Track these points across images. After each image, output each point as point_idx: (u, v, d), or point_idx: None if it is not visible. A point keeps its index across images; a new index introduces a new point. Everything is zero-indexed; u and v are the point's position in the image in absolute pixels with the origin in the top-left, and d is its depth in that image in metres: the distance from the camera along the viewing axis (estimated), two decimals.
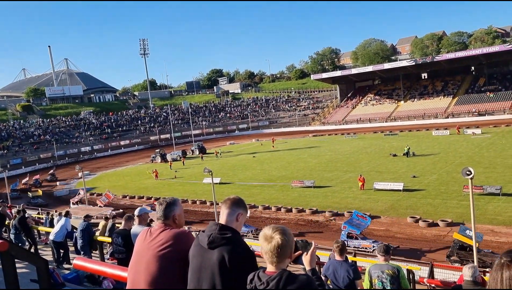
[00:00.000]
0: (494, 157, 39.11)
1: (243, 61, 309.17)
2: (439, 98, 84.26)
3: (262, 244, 2.33)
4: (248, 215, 2.90)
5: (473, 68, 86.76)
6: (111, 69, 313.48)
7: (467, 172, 15.41)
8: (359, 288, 5.59)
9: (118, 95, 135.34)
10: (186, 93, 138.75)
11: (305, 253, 2.72)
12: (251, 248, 2.78)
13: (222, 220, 2.80)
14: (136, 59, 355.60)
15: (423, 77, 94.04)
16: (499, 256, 1.75)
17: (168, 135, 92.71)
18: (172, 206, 3.18)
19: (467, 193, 25.11)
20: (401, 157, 44.46)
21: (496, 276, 1.67)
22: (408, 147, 45.51)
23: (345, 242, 20.57)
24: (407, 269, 13.20)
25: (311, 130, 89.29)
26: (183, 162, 58.82)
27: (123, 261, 6.19)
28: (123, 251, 6.67)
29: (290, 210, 29.75)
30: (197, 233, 3.42)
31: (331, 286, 5.77)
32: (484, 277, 9.68)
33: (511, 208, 24.50)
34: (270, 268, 2.31)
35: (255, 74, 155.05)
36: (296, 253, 2.64)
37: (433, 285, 13.15)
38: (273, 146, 67.87)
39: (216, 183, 37.92)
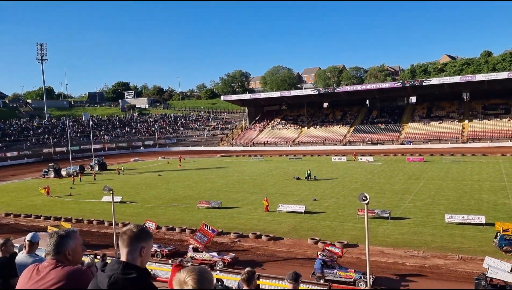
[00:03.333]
0: (384, 183, 42.95)
1: (152, 76, 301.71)
2: (338, 127, 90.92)
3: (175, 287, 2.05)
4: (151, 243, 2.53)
5: (368, 101, 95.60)
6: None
7: (363, 198, 16.59)
8: None
9: (7, 101, 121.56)
10: (88, 104, 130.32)
11: None
12: None
13: (124, 257, 2.40)
14: (31, 64, 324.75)
15: (325, 106, 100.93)
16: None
17: (64, 148, 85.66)
18: (65, 239, 2.68)
19: (361, 217, 27.03)
20: (304, 181, 46.54)
21: None
22: (309, 171, 47.87)
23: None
24: None
25: (220, 150, 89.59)
26: (80, 178, 54.50)
27: None
28: None
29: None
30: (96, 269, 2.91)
31: None
32: None
33: (398, 231, 26.87)
34: None
35: (164, 90, 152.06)
36: None
37: None
38: (180, 165, 66.46)
39: (117, 202, 35.67)
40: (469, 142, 71.99)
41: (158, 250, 24.60)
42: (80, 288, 2.47)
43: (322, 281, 19.42)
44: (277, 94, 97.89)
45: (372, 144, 79.58)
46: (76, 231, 2.82)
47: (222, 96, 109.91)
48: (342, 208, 33.24)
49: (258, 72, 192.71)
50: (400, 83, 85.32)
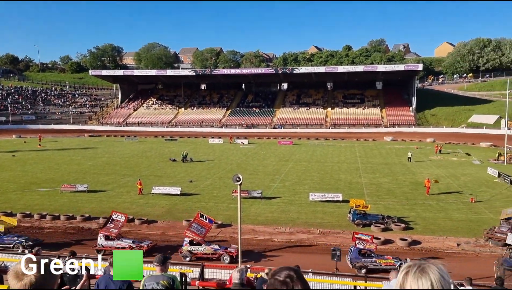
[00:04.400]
0: (257, 165, 44.96)
1: (4, 42, 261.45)
2: (215, 109, 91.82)
3: (11, 283, 1.75)
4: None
5: (244, 85, 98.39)
6: None
7: (237, 179, 16.89)
8: None
9: None
10: None
11: (74, 288, 2.15)
12: None
13: None
14: None
15: (202, 88, 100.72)
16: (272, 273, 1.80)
17: None
18: None
19: (235, 197, 27.81)
20: (180, 162, 45.94)
21: (408, 284, 1.62)
22: (185, 153, 47.41)
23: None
24: (180, 273, 13.36)
25: (88, 130, 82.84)
26: None
27: None
28: None
29: (57, 217, 26.34)
30: None
31: None
32: (249, 278, 10.54)
33: (268, 209, 28.42)
34: None
35: (20, 59, 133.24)
36: (63, 289, 1.99)
37: (200, 287, 13.68)
38: (39, 145, 59.43)
39: None
40: (331, 128, 79.71)
41: (134, 246, 21.00)
42: None
43: (364, 271, 18.71)
44: (152, 72, 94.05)
45: (247, 127, 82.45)
46: None
47: (90, 71, 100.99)
48: (217, 189, 33.76)
49: (131, 47, 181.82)
50: (273, 70, 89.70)
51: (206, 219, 21.61)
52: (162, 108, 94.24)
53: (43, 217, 26.45)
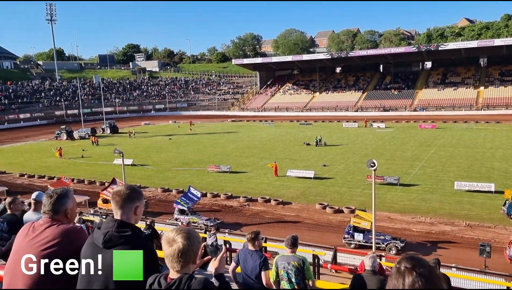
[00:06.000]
0: (395, 150, 42.68)
1: (163, 38, 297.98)
2: (351, 92, 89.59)
3: (164, 247, 2.13)
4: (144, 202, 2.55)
5: (381, 66, 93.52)
6: (10, 33, 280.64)
7: (371, 164, 16.46)
8: (265, 278, 5.63)
9: (18, 63, 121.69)
10: (99, 67, 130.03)
11: (214, 258, 2.51)
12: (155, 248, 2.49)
13: (118, 217, 2.46)
14: (40, 25, 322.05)
15: (337, 71, 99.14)
16: (398, 261, 1.72)
17: (76, 111, 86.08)
18: (64, 199, 2.73)
19: (370, 183, 27.05)
20: (314, 146, 46.48)
21: (397, 283, 1.64)
22: (319, 137, 47.68)
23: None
24: (313, 254, 13.74)
25: (230, 115, 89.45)
26: (96, 141, 54.80)
27: (5, 255, 5.35)
28: (7, 238, 5.78)
29: (205, 195, 29.39)
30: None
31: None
32: (382, 265, 10.36)
33: (406, 197, 26.93)
34: (172, 274, 2.12)
35: (175, 53, 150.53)
36: (205, 259, 2.40)
37: (333, 271, 13.86)
38: (190, 129, 66.71)
39: (128, 165, 36.22)
40: (483, 109, 70.57)
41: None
42: (75, 245, 2.51)
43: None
44: (289, 58, 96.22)
45: (385, 110, 78.53)
46: (71, 191, 2.84)
47: (233, 60, 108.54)
48: (351, 174, 33.28)
49: (270, 35, 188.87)
50: (415, 48, 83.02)
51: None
52: (297, 93, 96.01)
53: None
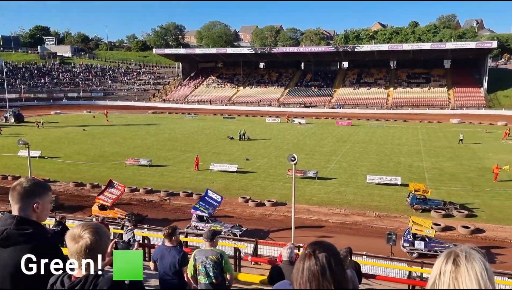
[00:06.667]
0: (314, 145, 44.54)
1: (76, 22, 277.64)
2: (274, 88, 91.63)
3: (69, 245, 1.94)
4: (51, 198, 2.22)
5: (303, 64, 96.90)
6: None
7: (292, 158, 16.92)
8: (185, 274, 5.51)
9: None
10: (1, 49, 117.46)
11: None
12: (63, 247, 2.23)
13: (16, 213, 2.23)
14: None
15: (261, 66, 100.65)
16: (306, 246, 1.78)
17: None
18: None
19: (290, 177, 27.89)
20: (237, 140, 46.76)
21: (299, 266, 1.71)
22: (243, 131, 48.08)
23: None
24: (234, 248, 13.82)
25: (151, 107, 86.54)
26: None
27: None
28: None
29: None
30: None
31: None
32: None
33: (323, 190, 28.22)
34: (77, 272, 1.95)
35: (90, 38, 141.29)
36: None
37: (253, 262, 14.05)
38: (107, 120, 63.24)
39: (35, 157, 33.30)
40: (393, 109, 76.58)
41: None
42: None
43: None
44: (212, 50, 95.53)
45: (305, 107, 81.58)
46: None
47: (154, 49, 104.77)
48: (273, 168, 34.03)
49: (193, 26, 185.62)
50: (333, 48, 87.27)
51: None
52: (221, 87, 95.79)
53: None
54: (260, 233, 20.68)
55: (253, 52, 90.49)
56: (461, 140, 44.38)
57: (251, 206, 25.32)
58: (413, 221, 18.96)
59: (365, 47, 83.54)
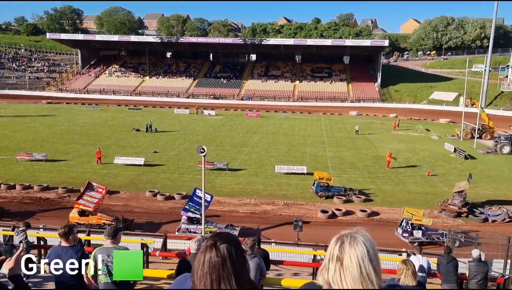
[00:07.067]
0: (224, 137, 44.66)
1: None
2: (182, 79, 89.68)
3: None
4: None
5: (211, 55, 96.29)
6: None
7: (201, 150, 16.64)
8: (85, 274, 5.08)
9: None
10: None
11: (9, 258, 2.09)
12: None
13: None
14: None
15: (168, 56, 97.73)
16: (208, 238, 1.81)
17: None
18: None
19: (200, 169, 27.60)
20: (144, 132, 44.92)
21: (200, 258, 1.72)
22: (150, 123, 46.33)
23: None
24: (142, 243, 13.28)
25: (46, 96, 78.94)
26: None
27: None
28: None
29: (13, 187, 25.27)
30: None
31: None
32: None
33: (234, 181, 28.43)
34: None
35: None
36: None
37: (160, 257, 13.63)
38: None
39: None
40: (299, 101, 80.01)
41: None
42: None
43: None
44: (115, 37, 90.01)
45: (215, 98, 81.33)
46: None
47: (48, 34, 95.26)
48: (182, 161, 33.36)
49: (92, 11, 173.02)
50: (241, 40, 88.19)
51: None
52: (125, 76, 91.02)
53: None
54: (172, 228, 20.12)
55: (160, 40, 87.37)
56: (357, 131, 48.12)
57: (159, 200, 24.53)
58: (407, 212, 19.87)
59: (272, 41, 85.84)
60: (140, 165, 30.77)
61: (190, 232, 19.44)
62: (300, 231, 19.01)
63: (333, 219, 22.40)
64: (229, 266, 1.68)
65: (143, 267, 9.61)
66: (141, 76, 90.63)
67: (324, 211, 22.94)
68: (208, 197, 20.11)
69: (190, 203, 19.95)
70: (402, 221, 20.17)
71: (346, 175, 30.34)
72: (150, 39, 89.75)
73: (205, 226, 19.03)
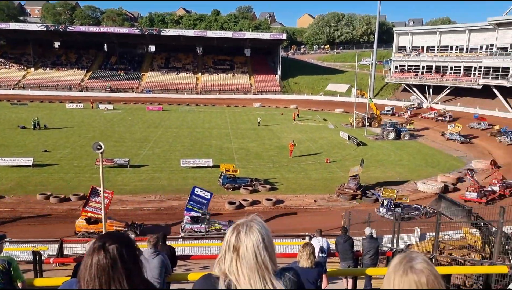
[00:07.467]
0: (124, 132, 42.35)
1: None
2: (73, 71, 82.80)
3: None
4: None
5: (106, 45, 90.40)
6: None
7: (98, 147, 15.51)
8: None
9: None
10: None
11: None
12: None
13: None
14: None
15: (56, 46, 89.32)
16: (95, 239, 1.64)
17: None
18: None
19: (98, 167, 25.79)
20: (31, 130, 40.60)
21: (87, 261, 1.56)
22: (37, 119, 42.04)
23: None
24: (33, 251, 11.93)
25: None
26: None
27: None
28: None
29: None
30: None
31: None
32: None
33: (136, 178, 27.14)
34: None
35: None
36: None
37: (54, 264, 12.48)
38: None
39: None
40: (202, 94, 79.30)
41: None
42: None
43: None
44: None
45: (112, 91, 76.69)
46: None
47: None
48: (78, 159, 30.90)
49: None
50: (138, 30, 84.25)
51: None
52: (6, 68, 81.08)
53: None
54: (70, 232, 18.45)
55: (45, 29, 79.22)
56: (259, 122, 49.39)
57: (53, 202, 22.47)
58: (385, 193, 22.79)
59: (171, 32, 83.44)
60: (29, 166, 27.82)
61: (195, 232, 19.17)
62: (208, 224, 18.90)
63: (241, 209, 22.69)
64: (120, 268, 1.55)
65: (36, 277, 8.58)
66: (25, 68, 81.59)
67: (231, 203, 23.12)
68: (208, 195, 20.37)
69: (191, 202, 19.86)
70: (383, 201, 22.52)
71: (252, 166, 30.92)
72: (34, 27, 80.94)
73: (210, 224, 19.70)
